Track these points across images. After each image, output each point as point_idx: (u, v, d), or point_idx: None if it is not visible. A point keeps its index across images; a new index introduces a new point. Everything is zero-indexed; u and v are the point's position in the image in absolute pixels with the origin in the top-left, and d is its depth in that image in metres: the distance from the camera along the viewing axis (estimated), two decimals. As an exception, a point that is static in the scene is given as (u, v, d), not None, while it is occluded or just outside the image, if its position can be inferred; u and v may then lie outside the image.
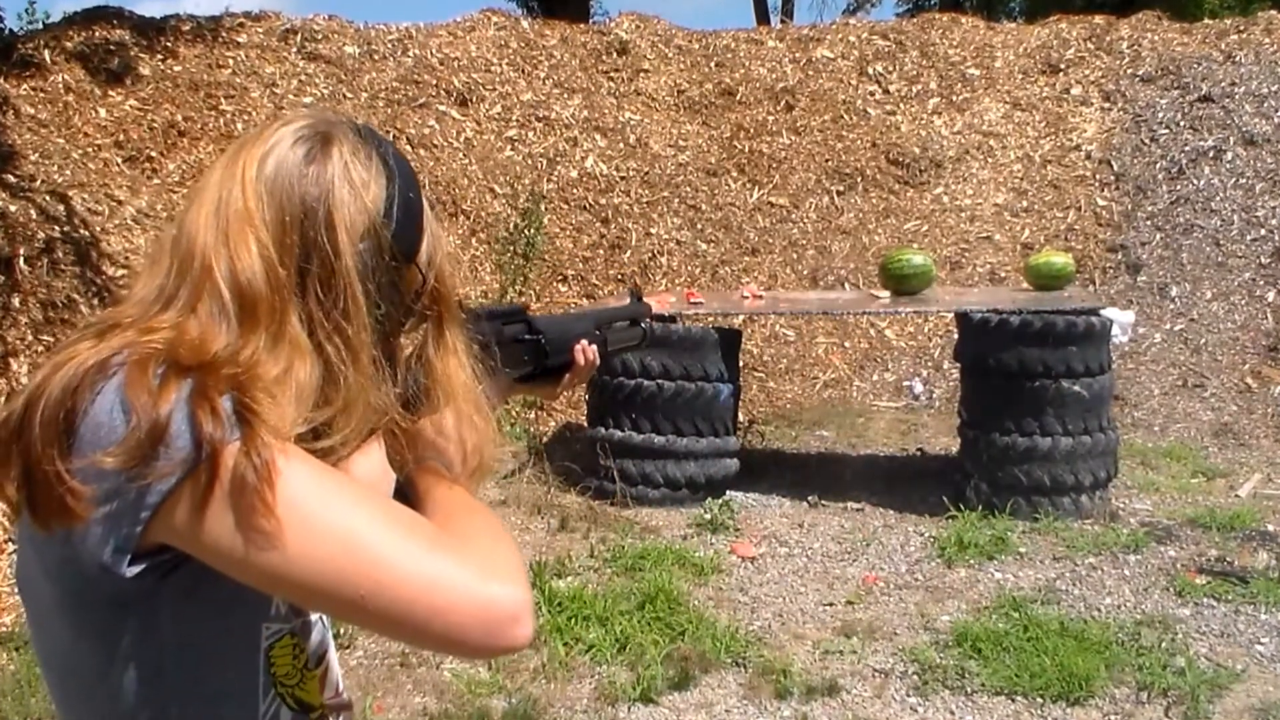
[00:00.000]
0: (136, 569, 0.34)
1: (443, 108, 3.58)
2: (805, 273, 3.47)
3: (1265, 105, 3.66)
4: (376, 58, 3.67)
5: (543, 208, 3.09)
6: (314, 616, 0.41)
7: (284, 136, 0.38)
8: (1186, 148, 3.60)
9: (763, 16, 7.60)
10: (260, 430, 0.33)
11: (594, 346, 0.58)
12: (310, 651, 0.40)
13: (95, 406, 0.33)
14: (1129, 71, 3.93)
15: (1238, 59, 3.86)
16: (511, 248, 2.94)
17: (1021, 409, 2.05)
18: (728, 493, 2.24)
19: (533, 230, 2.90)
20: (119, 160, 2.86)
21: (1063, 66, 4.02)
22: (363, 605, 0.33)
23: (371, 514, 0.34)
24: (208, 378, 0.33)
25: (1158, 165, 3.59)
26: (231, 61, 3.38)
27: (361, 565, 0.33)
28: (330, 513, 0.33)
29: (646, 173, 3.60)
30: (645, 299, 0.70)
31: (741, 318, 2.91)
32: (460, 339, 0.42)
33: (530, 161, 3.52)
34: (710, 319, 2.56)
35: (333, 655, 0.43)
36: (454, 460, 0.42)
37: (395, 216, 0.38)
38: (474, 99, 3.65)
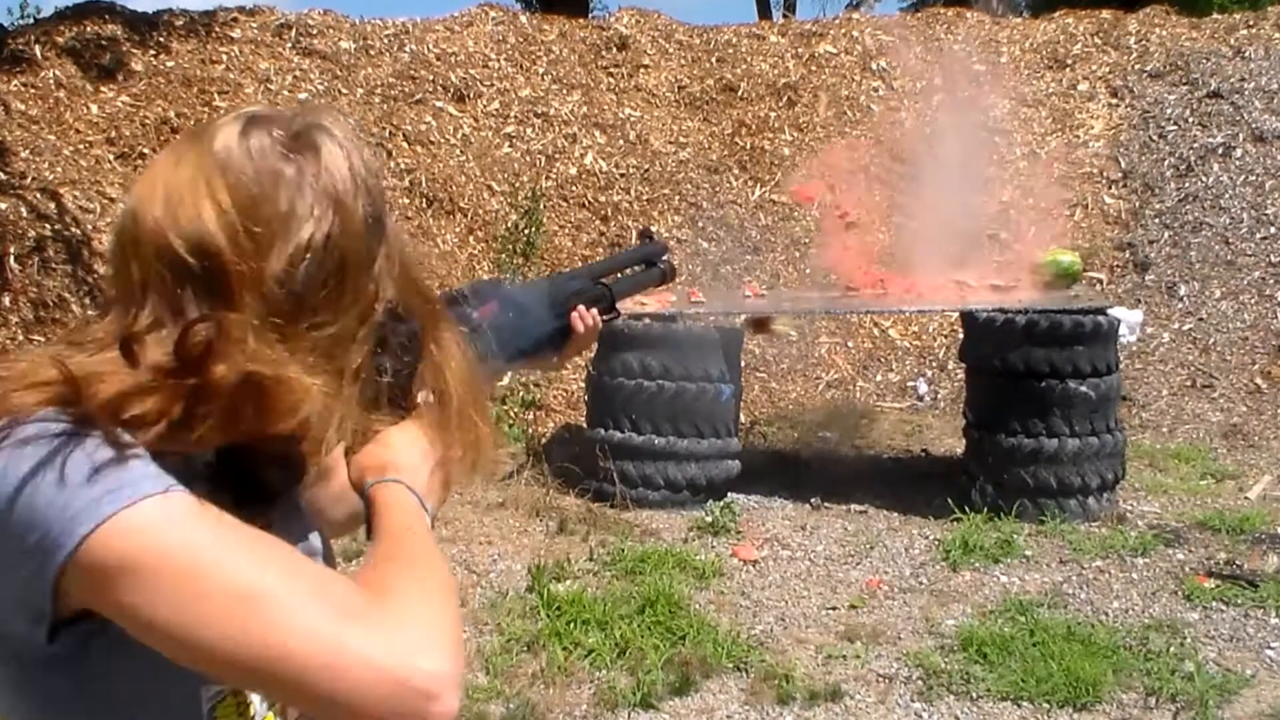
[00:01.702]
0: (58, 635, 0.32)
1: (440, 104, 3.55)
2: (808, 271, 3.44)
3: (1275, 101, 3.62)
4: (372, 53, 3.64)
5: (542, 206, 3.05)
6: None
7: (231, 133, 0.35)
8: (1195, 144, 3.57)
9: (765, 11, 7.53)
10: (144, 486, 0.31)
11: (593, 310, 0.53)
12: (257, 710, 0.38)
13: (7, 468, 0.31)
14: (1137, 67, 3.89)
15: (1247, 54, 3.82)
16: (511, 246, 2.90)
17: (1027, 410, 2.03)
18: (729, 495, 2.22)
19: (532, 230, 2.87)
20: (111, 157, 2.83)
21: (1069, 62, 3.98)
22: (263, 677, 0.31)
23: (276, 576, 0.32)
24: (96, 429, 0.31)
25: (1166, 162, 3.56)
26: (225, 57, 3.35)
27: (259, 629, 0.31)
28: (225, 571, 0.31)
29: (647, 170, 3.57)
30: (657, 239, 0.64)
31: (743, 317, 2.88)
32: (452, 333, 0.39)
33: (529, 158, 3.49)
34: (711, 318, 2.53)
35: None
36: (446, 463, 0.40)
37: (352, 218, 0.35)
38: (471, 95, 3.62)
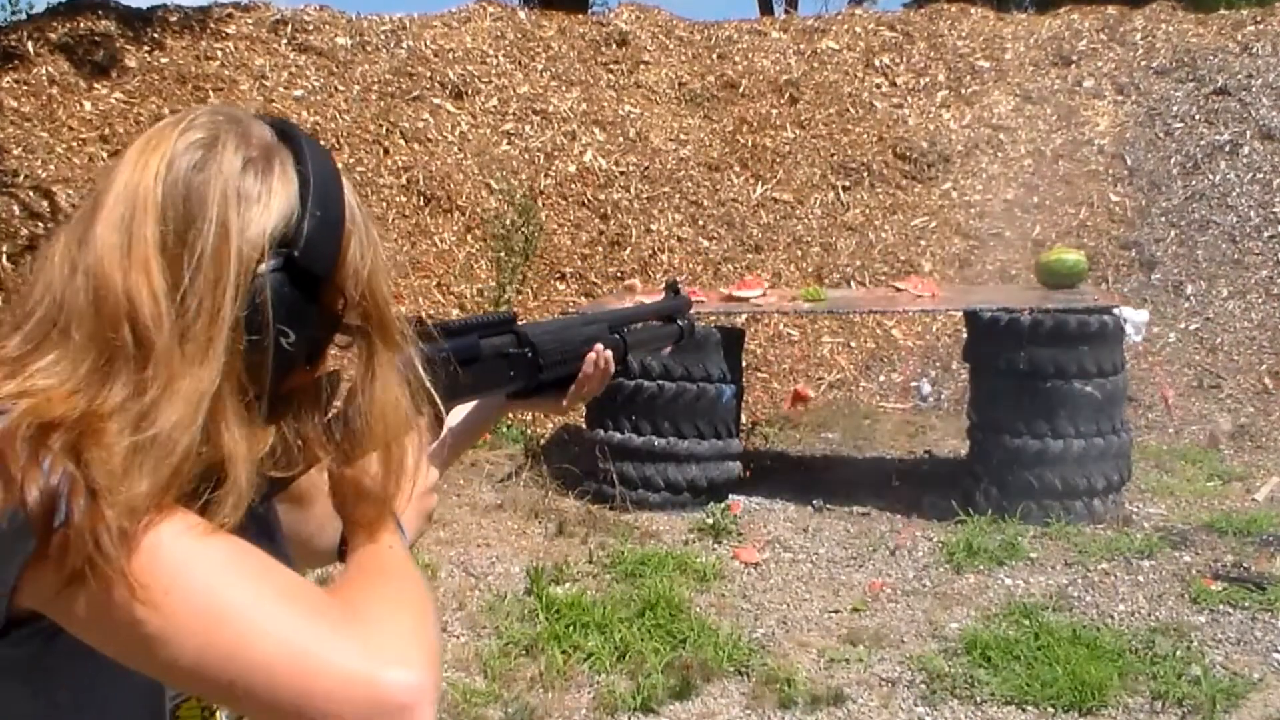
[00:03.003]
0: (13, 637, 0.31)
1: (437, 101, 3.52)
2: (810, 270, 3.42)
3: (1283, 98, 3.61)
4: (369, 49, 3.61)
5: (539, 203, 3.02)
6: None
7: (181, 142, 0.33)
8: (1202, 142, 3.53)
9: (766, 7, 7.47)
10: (100, 504, 0.29)
11: (607, 353, 0.52)
12: (228, 713, 0.37)
13: None
14: (1143, 63, 3.86)
15: (1255, 50, 3.78)
16: (508, 244, 2.87)
17: (1032, 410, 2.01)
18: (730, 496, 2.20)
19: (530, 228, 2.82)
20: (104, 155, 2.80)
21: (1075, 58, 3.94)
22: (232, 690, 0.30)
23: (245, 584, 0.31)
24: (62, 442, 0.30)
25: (1172, 160, 3.52)
26: (220, 53, 3.32)
27: (227, 644, 0.30)
28: (192, 585, 0.30)
29: (647, 167, 3.54)
30: (684, 292, 0.63)
31: (744, 316, 2.86)
32: (389, 364, 0.36)
33: (527, 156, 3.46)
34: (713, 318, 2.50)
35: None
36: (376, 501, 0.37)
37: (305, 233, 0.33)
38: (469, 92, 3.59)
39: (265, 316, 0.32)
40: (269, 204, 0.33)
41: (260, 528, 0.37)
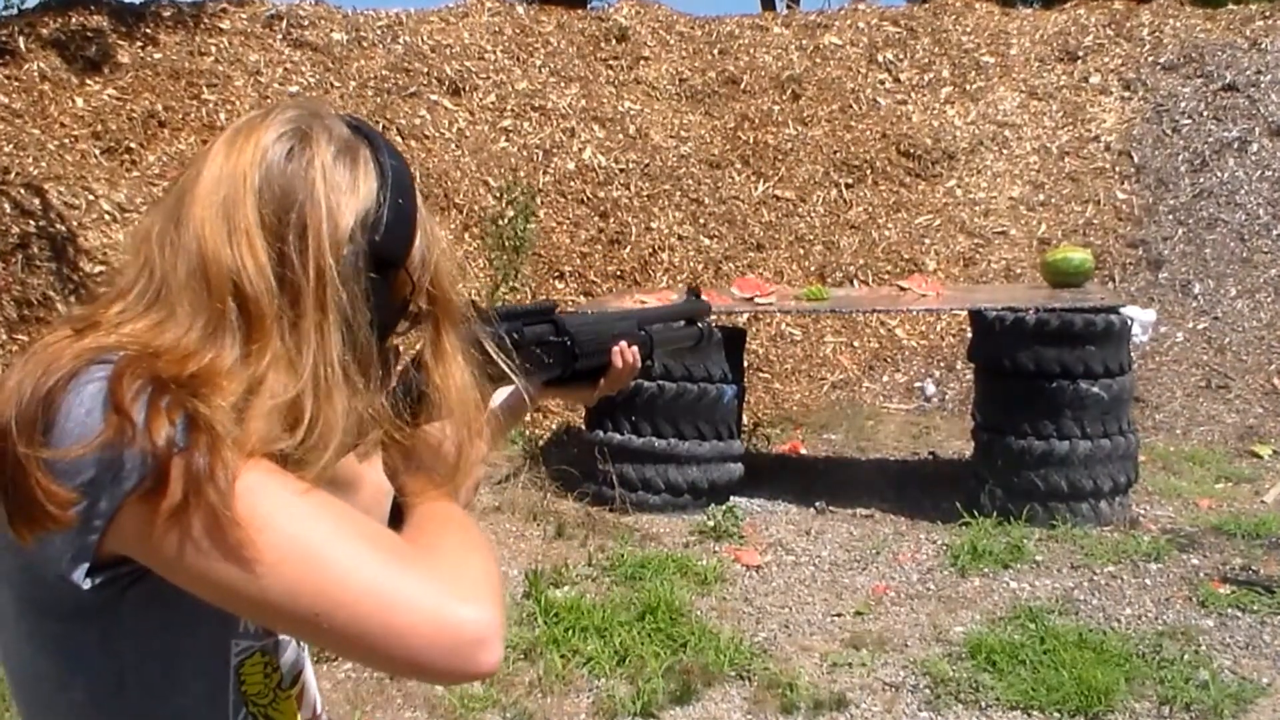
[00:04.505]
0: (95, 580, 0.33)
1: (434, 97, 3.50)
2: (812, 269, 3.38)
3: (1291, 94, 3.58)
4: (365, 45, 3.59)
5: (534, 198, 2.99)
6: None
7: (271, 132, 0.36)
8: (1210, 139, 3.50)
9: (768, 2, 7.39)
10: (219, 443, 0.32)
11: (634, 348, 0.54)
12: (284, 671, 0.39)
13: (72, 409, 0.32)
14: (1150, 59, 3.82)
15: (1264, 46, 3.74)
16: (500, 239, 2.84)
17: (1038, 411, 1.98)
18: (731, 498, 2.18)
19: (521, 222, 2.80)
20: (97, 151, 2.79)
21: (1081, 54, 3.91)
22: (318, 624, 0.32)
23: (331, 526, 0.33)
24: (177, 389, 0.32)
25: (1180, 157, 3.50)
26: (214, 49, 3.30)
27: (315, 580, 0.32)
28: (286, 526, 0.32)
29: (647, 165, 3.52)
30: (703, 296, 0.66)
31: (746, 316, 2.83)
32: (457, 343, 0.40)
33: (525, 153, 3.45)
34: (715, 317, 2.48)
35: (309, 675, 0.42)
36: (448, 470, 0.40)
37: (384, 220, 0.37)
38: (467, 88, 3.57)
39: (352, 296, 0.35)
40: (357, 192, 0.36)
41: None
